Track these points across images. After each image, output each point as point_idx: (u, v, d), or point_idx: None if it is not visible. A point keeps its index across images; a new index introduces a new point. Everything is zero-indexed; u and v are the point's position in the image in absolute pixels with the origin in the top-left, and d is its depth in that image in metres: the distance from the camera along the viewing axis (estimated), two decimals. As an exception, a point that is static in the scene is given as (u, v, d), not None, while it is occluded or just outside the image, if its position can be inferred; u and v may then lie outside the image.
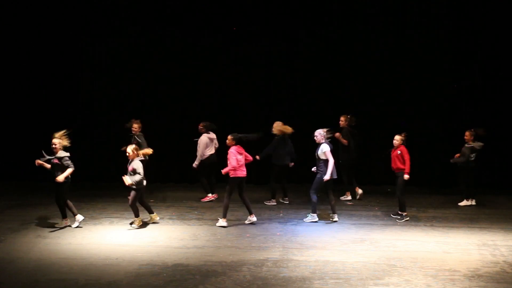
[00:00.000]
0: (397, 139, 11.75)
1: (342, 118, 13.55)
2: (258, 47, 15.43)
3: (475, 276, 8.45)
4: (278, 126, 13.02)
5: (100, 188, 14.71)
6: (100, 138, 15.42)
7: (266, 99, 15.54)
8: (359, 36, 15.15)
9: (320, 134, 11.57)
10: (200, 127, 13.53)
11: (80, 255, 9.34)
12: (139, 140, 12.97)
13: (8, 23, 15.56)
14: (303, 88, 15.46)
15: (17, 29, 15.55)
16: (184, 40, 15.52)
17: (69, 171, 10.68)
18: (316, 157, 11.53)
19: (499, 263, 9.05)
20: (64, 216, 10.99)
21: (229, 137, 11.30)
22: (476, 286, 8.08)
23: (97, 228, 11.05)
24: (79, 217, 10.96)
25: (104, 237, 10.43)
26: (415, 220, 11.74)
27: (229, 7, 15.35)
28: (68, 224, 10.98)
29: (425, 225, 11.37)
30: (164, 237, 10.41)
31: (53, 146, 10.76)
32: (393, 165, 11.78)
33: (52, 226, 11.08)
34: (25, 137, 15.26)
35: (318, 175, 11.48)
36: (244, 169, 11.29)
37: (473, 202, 13.06)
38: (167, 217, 11.94)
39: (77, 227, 10.91)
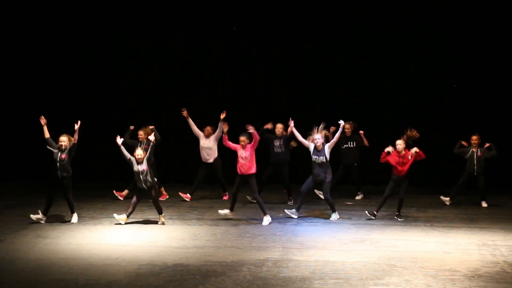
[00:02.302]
0: (401, 143, 11.50)
1: (347, 126, 13.26)
2: (258, 47, 15.44)
3: (475, 276, 8.45)
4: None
5: (100, 188, 14.71)
6: (100, 138, 15.41)
7: (266, 99, 15.54)
8: (359, 36, 15.15)
9: (321, 138, 11.52)
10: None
11: (80, 255, 9.34)
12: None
13: (8, 23, 15.56)
14: (302, 88, 15.46)
15: (17, 29, 15.55)
16: (184, 40, 15.52)
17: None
18: (321, 161, 11.46)
19: (499, 263, 9.04)
20: (73, 211, 11.48)
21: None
22: (476, 286, 8.08)
23: (97, 228, 11.06)
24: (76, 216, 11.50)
25: (104, 237, 10.43)
26: (415, 220, 11.74)
27: (229, 7, 15.35)
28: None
29: (425, 225, 11.36)
30: (164, 237, 10.41)
31: (61, 143, 11.20)
32: (402, 171, 11.43)
33: (52, 226, 11.09)
34: (25, 137, 15.25)
35: (327, 179, 11.56)
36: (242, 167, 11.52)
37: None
38: (167, 217, 11.93)
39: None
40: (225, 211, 11.72)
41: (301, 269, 8.68)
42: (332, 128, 12.49)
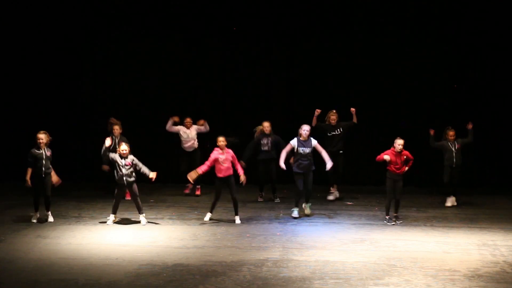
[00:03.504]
0: (402, 143, 11.23)
1: (333, 118, 13.32)
2: (258, 47, 15.44)
3: (475, 276, 8.45)
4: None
5: (100, 188, 14.70)
6: (100, 138, 15.38)
7: (266, 99, 15.54)
8: (359, 36, 15.15)
9: (308, 129, 11.64)
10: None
11: (80, 255, 9.34)
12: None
13: (8, 23, 15.54)
14: (302, 88, 15.45)
15: (17, 29, 15.54)
16: (184, 40, 15.51)
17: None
18: (307, 152, 11.55)
19: (499, 263, 9.05)
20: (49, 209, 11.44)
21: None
22: (476, 286, 8.08)
23: (97, 228, 11.06)
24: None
25: (104, 237, 10.43)
26: (415, 220, 11.74)
27: (229, 7, 15.35)
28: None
29: (425, 225, 11.36)
30: (164, 237, 10.41)
31: (40, 141, 11.09)
32: (399, 171, 11.26)
33: (52, 226, 11.09)
34: (25, 137, 15.23)
35: (312, 169, 11.69)
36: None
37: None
38: (167, 217, 11.95)
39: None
40: (207, 216, 11.57)
41: (301, 269, 8.69)
42: (318, 111, 13.05)
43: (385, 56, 15.12)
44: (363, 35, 15.15)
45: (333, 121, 13.37)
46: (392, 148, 11.33)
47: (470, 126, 13.08)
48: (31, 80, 15.67)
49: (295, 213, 11.83)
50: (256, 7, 15.34)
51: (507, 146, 14.88)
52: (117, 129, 13.15)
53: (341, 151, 13.47)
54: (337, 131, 13.41)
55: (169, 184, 15.21)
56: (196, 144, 14.07)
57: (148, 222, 11.42)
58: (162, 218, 11.79)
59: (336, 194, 13.66)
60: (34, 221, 11.26)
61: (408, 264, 8.92)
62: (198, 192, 13.96)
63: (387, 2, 15.05)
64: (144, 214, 11.39)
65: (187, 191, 13.92)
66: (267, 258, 9.22)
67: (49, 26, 15.52)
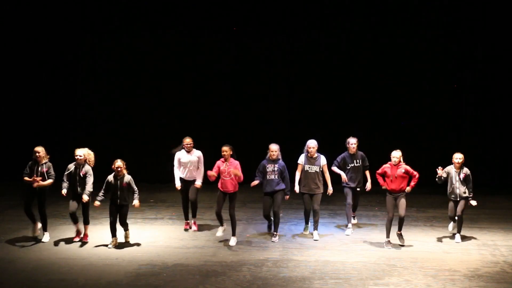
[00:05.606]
0: (397, 156, 10.01)
1: (354, 141, 11.22)
2: (258, 47, 15.43)
3: (475, 276, 8.46)
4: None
5: (99, 188, 14.67)
6: (99, 139, 15.41)
7: (265, 98, 15.53)
8: (358, 36, 15.15)
9: (316, 144, 10.56)
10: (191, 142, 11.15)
11: (80, 255, 9.35)
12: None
13: (7, 24, 15.54)
14: (302, 88, 15.46)
15: (16, 29, 15.54)
16: (184, 40, 15.51)
17: (50, 181, 10.18)
18: (315, 171, 10.49)
19: (499, 263, 9.06)
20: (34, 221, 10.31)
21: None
22: (476, 286, 8.09)
23: (97, 228, 11.05)
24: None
25: (104, 237, 10.42)
26: (415, 220, 11.74)
27: (229, 7, 15.35)
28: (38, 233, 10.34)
29: (425, 225, 11.38)
30: (164, 237, 10.42)
31: (37, 154, 10.16)
32: (395, 186, 10.02)
33: (52, 226, 11.06)
34: (25, 138, 15.25)
35: (318, 192, 10.60)
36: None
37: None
38: (167, 217, 11.96)
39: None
40: (219, 230, 10.27)
41: (301, 269, 8.69)
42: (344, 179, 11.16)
43: (385, 56, 15.11)
44: (364, 35, 15.13)
45: (352, 149, 11.24)
46: (390, 163, 10.19)
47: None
48: (30, 82, 15.65)
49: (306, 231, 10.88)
50: (256, 7, 15.31)
51: (507, 146, 14.88)
52: (80, 155, 10.37)
53: (358, 189, 11.43)
54: (356, 162, 11.31)
55: (169, 184, 15.19)
56: (195, 174, 11.10)
57: (148, 222, 11.42)
58: (162, 218, 11.80)
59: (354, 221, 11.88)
60: (36, 234, 10.20)
61: (408, 264, 8.93)
62: (195, 228, 11.16)
63: (387, 2, 15.03)
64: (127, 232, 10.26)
65: (186, 227, 11.17)
66: (267, 258, 9.23)
67: (48, 26, 15.50)
